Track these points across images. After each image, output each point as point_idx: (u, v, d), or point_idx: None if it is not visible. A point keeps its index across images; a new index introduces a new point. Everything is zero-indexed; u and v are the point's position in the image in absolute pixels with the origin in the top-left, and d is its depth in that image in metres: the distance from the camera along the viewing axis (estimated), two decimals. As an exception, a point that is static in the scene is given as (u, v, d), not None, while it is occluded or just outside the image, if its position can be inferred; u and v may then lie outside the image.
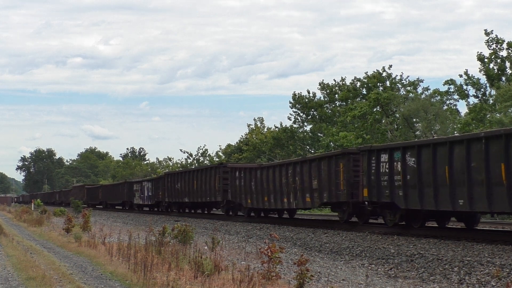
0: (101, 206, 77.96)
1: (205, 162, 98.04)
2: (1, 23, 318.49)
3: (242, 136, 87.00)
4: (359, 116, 60.21)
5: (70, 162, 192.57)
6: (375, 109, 60.88)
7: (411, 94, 63.49)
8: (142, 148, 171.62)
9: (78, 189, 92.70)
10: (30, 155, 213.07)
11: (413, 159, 21.99)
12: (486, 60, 54.79)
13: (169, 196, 48.97)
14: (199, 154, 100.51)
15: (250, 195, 34.93)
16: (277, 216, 35.90)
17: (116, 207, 72.35)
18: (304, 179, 29.05)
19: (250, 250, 19.90)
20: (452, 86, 59.30)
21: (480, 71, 55.66)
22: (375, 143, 53.92)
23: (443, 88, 60.40)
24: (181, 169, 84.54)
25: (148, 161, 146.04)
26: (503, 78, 54.18)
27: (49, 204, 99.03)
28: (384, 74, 66.57)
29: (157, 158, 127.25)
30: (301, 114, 74.95)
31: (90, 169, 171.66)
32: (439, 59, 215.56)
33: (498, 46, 54.40)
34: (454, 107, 60.50)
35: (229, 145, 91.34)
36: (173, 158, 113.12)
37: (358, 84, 68.27)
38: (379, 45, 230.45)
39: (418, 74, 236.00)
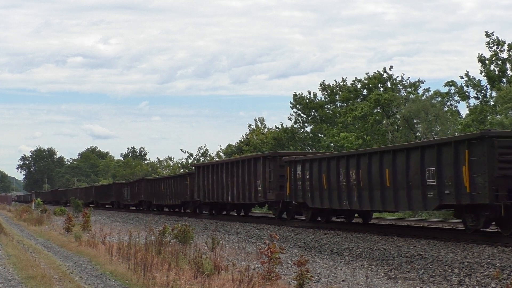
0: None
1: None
2: (1, 22, 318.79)
3: (243, 136, 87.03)
4: (359, 117, 60.18)
5: (71, 161, 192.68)
6: (375, 110, 60.86)
7: (411, 95, 63.44)
8: (143, 148, 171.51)
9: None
10: (30, 154, 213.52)
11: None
12: (487, 61, 54.76)
13: None
14: (200, 154, 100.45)
15: None
16: None
17: None
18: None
19: (250, 251, 19.89)
20: (453, 88, 59.24)
21: (481, 73, 55.65)
22: (376, 144, 54.01)
23: (444, 89, 60.37)
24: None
25: (148, 161, 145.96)
26: (504, 80, 54.14)
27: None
28: (385, 75, 66.57)
29: (157, 158, 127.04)
30: (302, 115, 74.97)
31: (90, 168, 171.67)
32: (440, 60, 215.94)
33: (499, 48, 54.39)
34: (455, 108, 60.47)
35: (229, 145, 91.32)
36: (173, 158, 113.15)
37: (359, 85, 68.24)
38: (380, 46, 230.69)
39: (419, 75, 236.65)
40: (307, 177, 28.09)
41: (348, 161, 25.08)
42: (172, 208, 53.78)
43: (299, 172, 28.85)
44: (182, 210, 50.54)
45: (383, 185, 22.74)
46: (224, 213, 41.10)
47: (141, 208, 61.47)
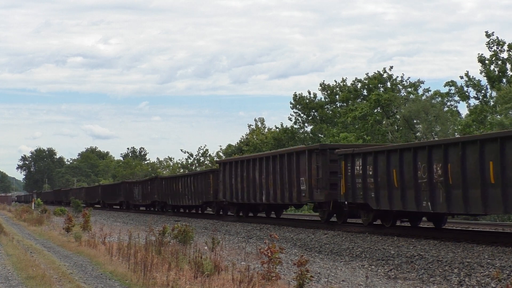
0: None
1: (206, 162, 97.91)
2: (1, 22, 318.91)
3: (243, 136, 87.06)
4: (359, 117, 60.20)
5: (71, 161, 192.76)
6: (375, 110, 60.89)
7: (411, 95, 63.50)
8: (143, 148, 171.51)
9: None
10: (30, 154, 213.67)
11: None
12: (487, 61, 54.80)
13: None
14: (200, 154, 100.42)
15: None
16: None
17: None
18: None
19: (250, 251, 19.89)
20: (452, 88, 59.31)
21: (481, 73, 55.71)
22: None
23: (444, 90, 60.47)
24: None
25: (148, 161, 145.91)
26: (504, 80, 54.17)
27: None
28: (385, 75, 66.61)
29: (157, 158, 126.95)
30: (302, 115, 75.03)
31: (90, 168, 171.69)
32: (440, 60, 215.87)
33: (499, 48, 54.42)
34: (455, 108, 60.52)
35: (229, 145, 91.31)
36: (173, 158, 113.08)
37: (359, 85, 68.31)
38: (380, 46, 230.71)
39: (419, 75, 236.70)
40: (370, 173, 23.53)
41: (431, 153, 20.47)
42: (188, 209, 49.61)
43: (358, 167, 24.26)
44: (200, 211, 46.56)
45: (485, 182, 18.23)
46: (251, 214, 37.01)
47: (153, 209, 58.01)
